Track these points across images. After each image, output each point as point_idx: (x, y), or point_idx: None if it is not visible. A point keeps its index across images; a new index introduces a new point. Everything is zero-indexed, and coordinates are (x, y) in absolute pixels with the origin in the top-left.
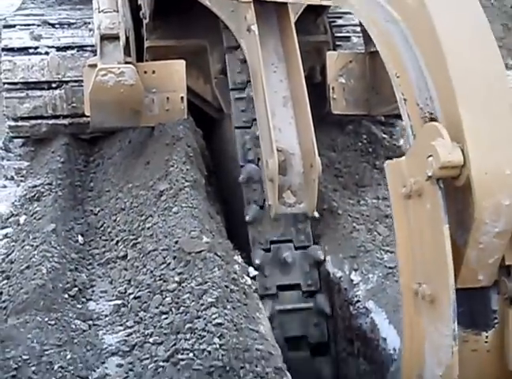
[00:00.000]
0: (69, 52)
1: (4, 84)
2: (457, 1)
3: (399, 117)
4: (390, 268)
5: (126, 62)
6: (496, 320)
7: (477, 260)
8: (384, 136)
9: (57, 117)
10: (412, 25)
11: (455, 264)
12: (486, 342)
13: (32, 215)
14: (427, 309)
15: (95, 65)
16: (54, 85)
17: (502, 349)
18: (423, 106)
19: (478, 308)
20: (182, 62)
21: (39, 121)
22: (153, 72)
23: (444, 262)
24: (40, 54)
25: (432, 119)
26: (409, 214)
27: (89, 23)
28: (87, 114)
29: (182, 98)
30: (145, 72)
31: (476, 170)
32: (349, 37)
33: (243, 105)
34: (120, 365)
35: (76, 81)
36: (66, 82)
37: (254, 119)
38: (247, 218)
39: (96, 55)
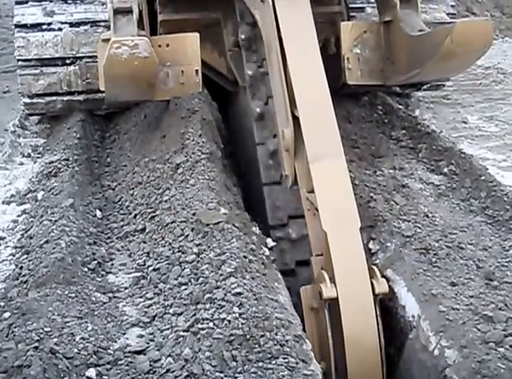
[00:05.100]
0: (82, 28)
1: (18, 61)
2: None
3: (414, 87)
4: (408, 236)
5: (140, 36)
6: None
7: None
8: (399, 106)
9: (72, 93)
10: None
11: None
12: None
13: (49, 191)
14: None
15: (108, 40)
16: (68, 61)
17: None
18: None
19: None
20: (196, 35)
21: (54, 97)
22: (167, 45)
23: None
24: (53, 30)
25: None
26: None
27: None
28: (102, 89)
29: (196, 71)
30: (159, 45)
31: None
32: (363, 8)
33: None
34: (141, 336)
35: (90, 57)
36: (80, 58)
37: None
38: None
39: (109, 30)
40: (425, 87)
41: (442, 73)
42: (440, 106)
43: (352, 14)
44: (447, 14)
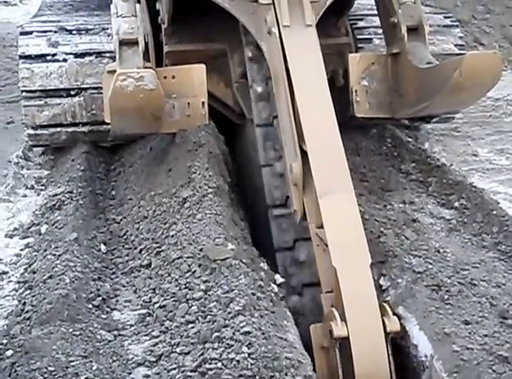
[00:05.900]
0: (87, 58)
1: (22, 91)
2: None
3: (423, 120)
4: (419, 272)
5: (146, 67)
6: None
7: None
8: (409, 139)
9: (76, 124)
10: None
11: None
12: None
13: (53, 225)
14: None
15: (114, 71)
16: (72, 92)
17: None
18: None
19: None
20: (203, 67)
21: (58, 129)
22: (173, 77)
23: None
24: (58, 61)
25: None
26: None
27: (107, 29)
28: (107, 121)
29: (203, 103)
30: (165, 77)
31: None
32: (371, 39)
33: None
34: (147, 376)
35: (95, 88)
36: (85, 89)
37: (275, 116)
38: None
39: (114, 61)
40: (434, 119)
41: (451, 106)
42: (450, 138)
43: (359, 45)
44: (455, 45)
